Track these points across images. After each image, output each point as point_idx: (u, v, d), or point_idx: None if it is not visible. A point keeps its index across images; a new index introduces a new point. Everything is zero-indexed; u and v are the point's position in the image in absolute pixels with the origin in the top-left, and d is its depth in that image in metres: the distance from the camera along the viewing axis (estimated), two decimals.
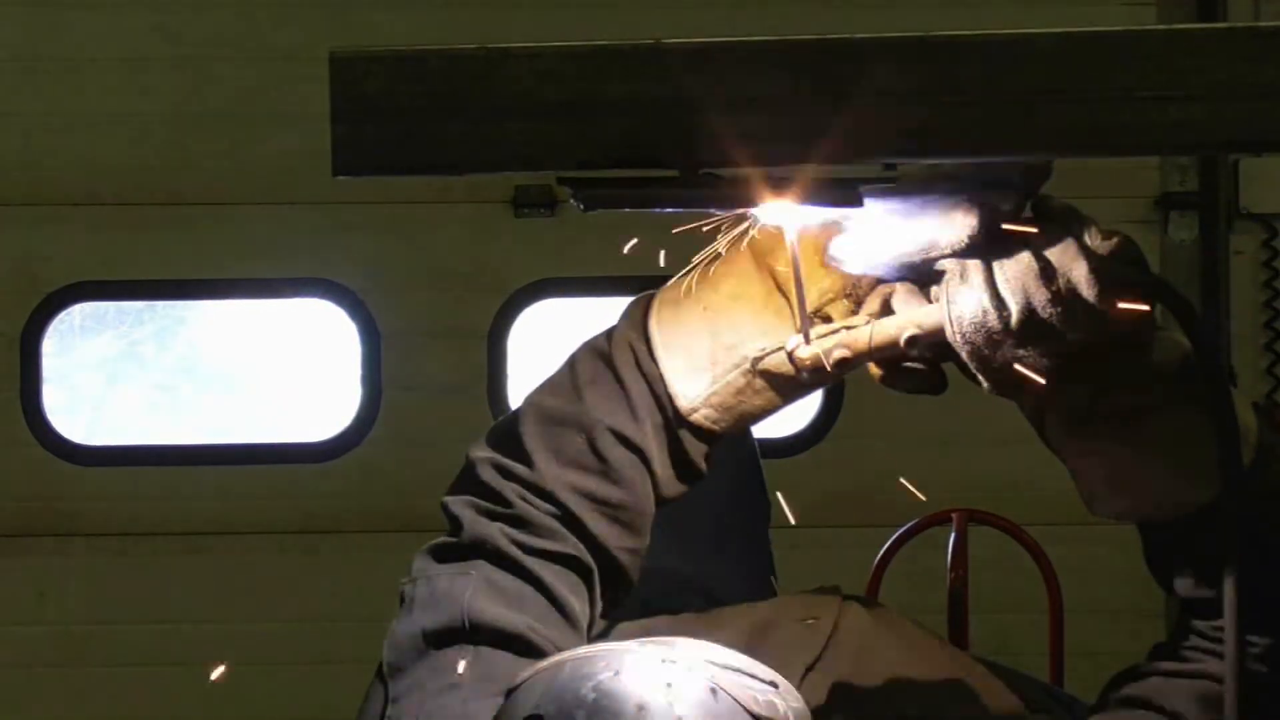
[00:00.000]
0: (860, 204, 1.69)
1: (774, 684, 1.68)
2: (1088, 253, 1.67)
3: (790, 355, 1.79)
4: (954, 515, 4.46)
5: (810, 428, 5.56)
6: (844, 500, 5.48)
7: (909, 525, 4.59)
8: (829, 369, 1.77)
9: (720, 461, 1.91)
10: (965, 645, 4.10)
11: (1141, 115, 1.52)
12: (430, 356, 5.46)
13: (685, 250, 1.92)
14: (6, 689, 5.45)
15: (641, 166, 1.57)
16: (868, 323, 1.76)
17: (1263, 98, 1.51)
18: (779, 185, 1.62)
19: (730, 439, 1.92)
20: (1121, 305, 1.68)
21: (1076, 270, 1.66)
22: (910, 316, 1.74)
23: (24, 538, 5.44)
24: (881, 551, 4.56)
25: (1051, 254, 1.67)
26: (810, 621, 1.97)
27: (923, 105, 1.52)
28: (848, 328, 1.77)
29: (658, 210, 1.63)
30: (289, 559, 5.47)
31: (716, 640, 1.73)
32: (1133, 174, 5.41)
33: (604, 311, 1.95)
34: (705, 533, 2.47)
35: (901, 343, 1.74)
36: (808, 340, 1.78)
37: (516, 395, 5.27)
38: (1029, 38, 1.53)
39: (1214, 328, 5.37)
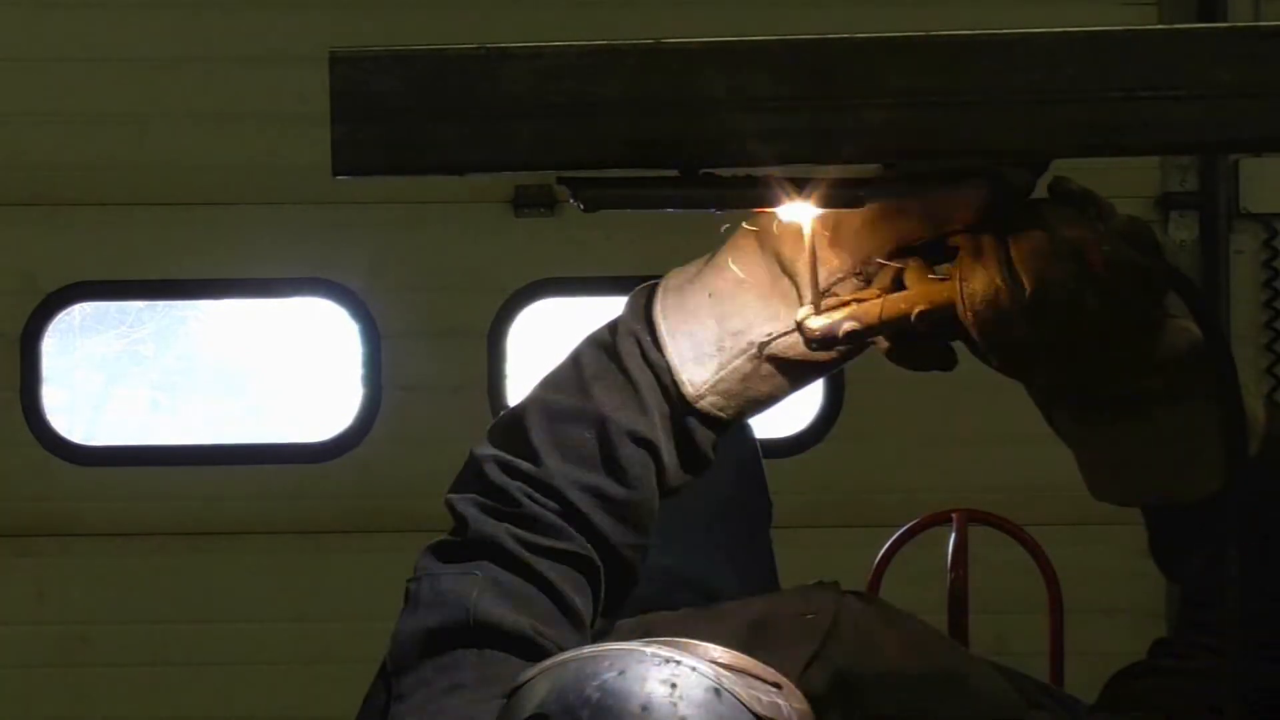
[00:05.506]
0: (861, 204, 1.69)
1: (777, 685, 1.68)
2: (1102, 235, 1.67)
3: (800, 326, 1.78)
4: (954, 515, 4.46)
5: (810, 428, 5.57)
6: (844, 500, 5.48)
7: (909, 525, 4.60)
8: (838, 339, 1.76)
9: (722, 460, 1.91)
10: (965, 645, 4.09)
11: (1141, 115, 1.52)
12: (430, 356, 5.46)
13: (687, 243, 1.92)
14: (6, 689, 5.45)
15: (641, 166, 1.57)
16: (879, 296, 1.76)
17: (1263, 98, 1.51)
18: (779, 185, 1.62)
19: (732, 438, 1.92)
20: (1133, 290, 1.68)
21: (1091, 252, 1.67)
22: (922, 292, 1.73)
23: (24, 538, 5.45)
24: (881, 551, 4.56)
25: (1067, 234, 1.68)
26: (809, 616, 1.97)
27: (923, 105, 1.52)
28: (859, 300, 1.77)
29: (658, 210, 1.63)
30: (289, 559, 5.48)
31: (716, 636, 1.73)
32: (1133, 174, 5.42)
33: (603, 311, 1.95)
34: (706, 531, 2.47)
35: (912, 318, 1.73)
36: (818, 311, 1.77)
37: (516, 395, 5.27)
38: (1029, 38, 1.53)
39: (1220, 323, 5.38)
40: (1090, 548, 5.15)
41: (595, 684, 1.60)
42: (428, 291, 5.47)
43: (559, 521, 1.84)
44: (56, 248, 5.44)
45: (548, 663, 1.67)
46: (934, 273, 1.75)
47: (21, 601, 5.47)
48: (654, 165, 1.57)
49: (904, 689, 1.89)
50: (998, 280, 1.68)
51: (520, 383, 5.44)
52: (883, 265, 1.78)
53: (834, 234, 1.78)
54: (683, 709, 1.58)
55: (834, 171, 1.64)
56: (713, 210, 1.67)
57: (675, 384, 1.84)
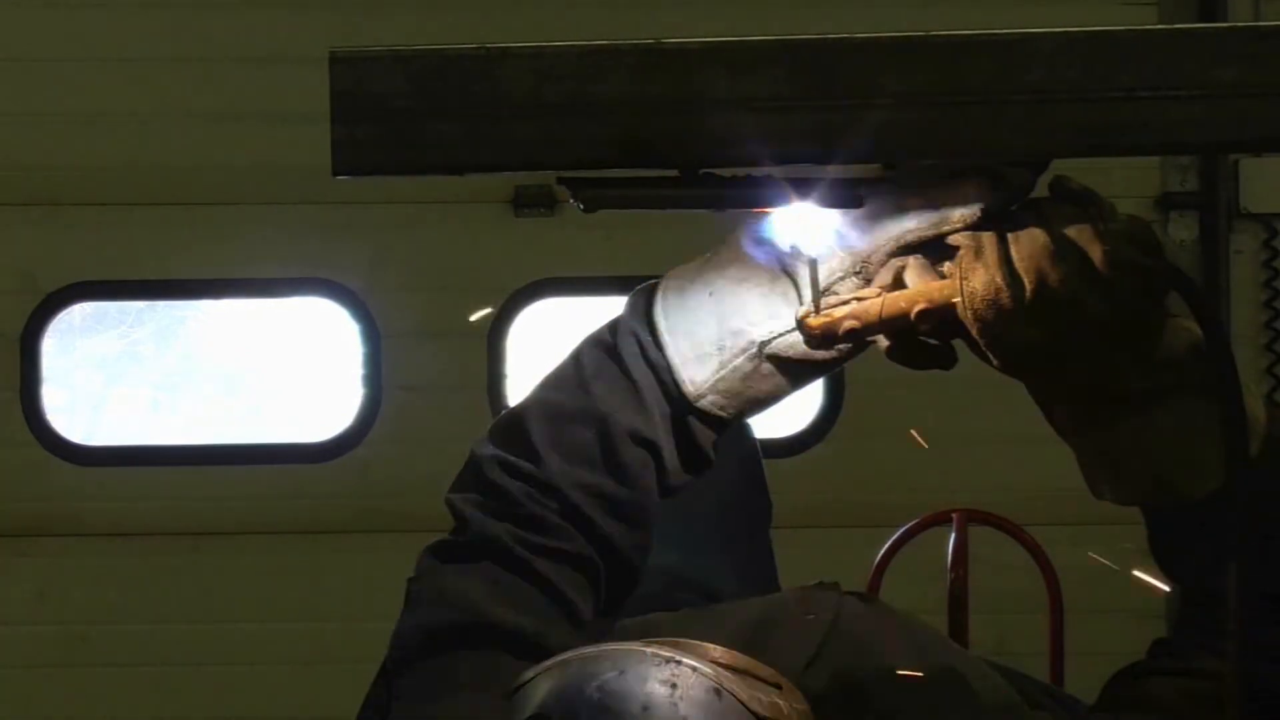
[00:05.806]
0: (860, 204, 1.69)
1: (778, 685, 1.68)
2: (1103, 234, 1.68)
3: (800, 323, 1.78)
4: (954, 515, 4.46)
5: (810, 428, 5.57)
6: (844, 500, 5.48)
7: (909, 525, 4.60)
8: (839, 337, 1.76)
9: (722, 460, 1.91)
10: (965, 645, 4.09)
11: (1141, 115, 1.52)
12: (430, 356, 5.46)
13: (687, 243, 1.92)
14: (7, 689, 5.45)
15: (641, 166, 1.57)
16: (879, 295, 1.76)
17: (1263, 98, 1.51)
18: (779, 185, 1.62)
19: (731, 437, 1.92)
20: (1134, 289, 1.68)
21: (1092, 251, 1.67)
22: (922, 290, 1.73)
23: (24, 538, 5.45)
24: (881, 551, 4.56)
25: (1067, 233, 1.68)
26: (809, 616, 1.97)
27: (923, 105, 1.52)
28: (859, 299, 1.77)
29: (658, 210, 1.63)
30: (289, 559, 5.48)
31: (716, 637, 1.73)
32: (1133, 174, 5.42)
33: (603, 311, 1.95)
34: (706, 531, 2.47)
35: (912, 316, 1.73)
36: (818, 309, 1.77)
37: (516, 395, 5.27)
38: (1029, 38, 1.53)
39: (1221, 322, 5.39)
40: (1090, 548, 5.15)
41: (596, 684, 1.60)
42: (428, 291, 5.47)
43: (560, 522, 1.83)
44: (56, 248, 5.44)
45: (548, 663, 1.67)
46: (934, 271, 1.75)
47: (21, 601, 5.47)
48: (654, 165, 1.57)
49: (904, 689, 1.89)
50: (998, 279, 1.68)
51: (520, 383, 5.44)
52: (883, 264, 1.78)
53: (834, 233, 1.78)
54: (683, 709, 1.58)
55: (834, 171, 1.64)
56: (713, 210, 1.67)
57: (676, 383, 1.84)
